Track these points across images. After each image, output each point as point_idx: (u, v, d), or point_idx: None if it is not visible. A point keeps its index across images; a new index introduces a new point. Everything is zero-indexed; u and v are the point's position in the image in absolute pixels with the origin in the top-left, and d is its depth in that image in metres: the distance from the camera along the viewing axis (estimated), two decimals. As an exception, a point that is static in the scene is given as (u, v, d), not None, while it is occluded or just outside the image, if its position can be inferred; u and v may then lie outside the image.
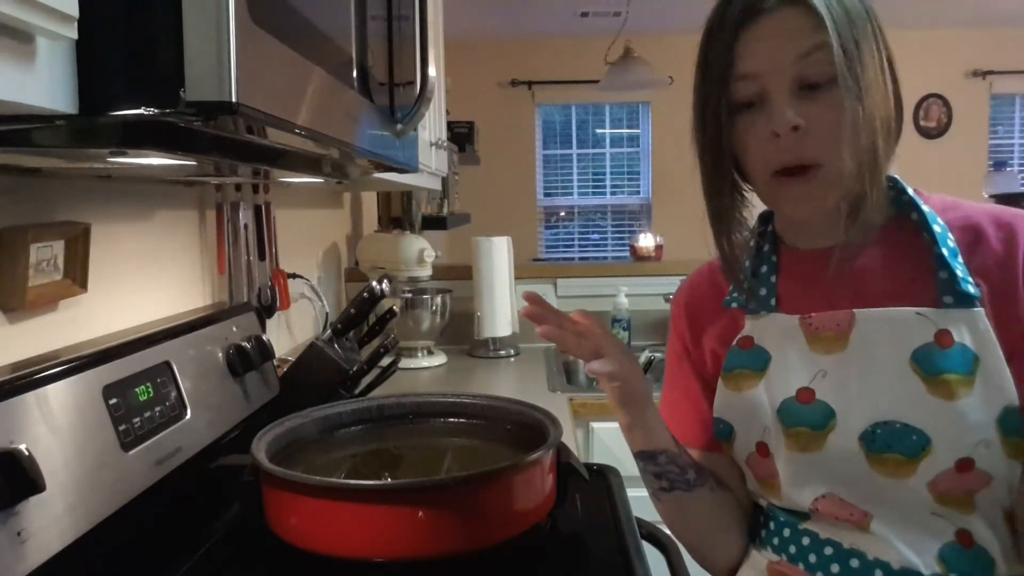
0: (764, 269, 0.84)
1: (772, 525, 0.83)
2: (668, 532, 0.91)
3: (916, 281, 0.75)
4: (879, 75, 0.72)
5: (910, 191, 0.78)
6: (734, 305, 0.85)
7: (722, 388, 0.84)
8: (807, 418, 0.76)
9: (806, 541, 0.79)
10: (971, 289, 0.71)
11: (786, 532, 0.81)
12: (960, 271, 0.72)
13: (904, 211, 0.78)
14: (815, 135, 0.71)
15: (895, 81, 0.75)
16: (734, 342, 0.83)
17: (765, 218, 0.87)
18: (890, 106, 0.74)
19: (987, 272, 0.73)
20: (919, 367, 0.71)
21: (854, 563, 0.75)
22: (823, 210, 0.75)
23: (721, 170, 0.78)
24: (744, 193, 0.81)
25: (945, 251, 0.73)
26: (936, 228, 0.74)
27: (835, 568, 0.76)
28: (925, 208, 0.76)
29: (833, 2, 0.70)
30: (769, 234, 0.86)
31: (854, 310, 0.75)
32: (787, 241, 0.84)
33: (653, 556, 0.89)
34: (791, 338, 0.79)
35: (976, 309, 0.71)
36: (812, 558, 0.78)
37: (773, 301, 0.82)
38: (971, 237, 0.75)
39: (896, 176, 0.80)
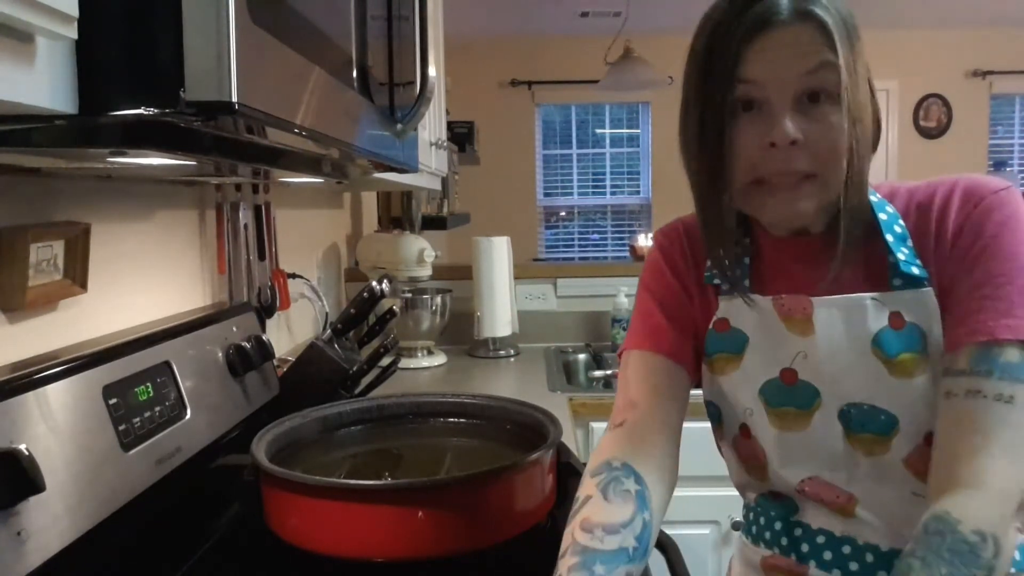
0: (738, 251, 0.84)
1: (763, 520, 0.84)
2: (667, 532, 0.91)
3: (873, 267, 0.77)
4: (867, 94, 0.74)
5: None
6: (716, 282, 0.85)
7: (707, 373, 0.85)
8: (793, 398, 0.78)
9: (798, 532, 0.80)
10: (915, 271, 0.74)
11: (777, 525, 0.82)
12: (906, 254, 0.75)
13: None
14: (811, 149, 0.72)
15: (874, 98, 0.77)
16: (710, 325, 0.84)
17: None
18: (871, 124, 0.76)
19: (930, 245, 0.75)
20: (879, 351, 0.74)
21: (846, 549, 0.77)
22: (802, 220, 0.77)
23: (716, 170, 0.76)
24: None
25: (890, 237, 0.75)
26: (883, 216, 0.77)
27: (827, 555, 0.78)
28: (874, 199, 0.78)
29: (840, 21, 0.71)
30: (743, 217, 0.85)
31: (811, 297, 0.78)
32: (765, 227, 0.85)
33: (653, 556, 0.89)
34: (766, 319, 0.80)
35: (924, 289, 0.74)
36: (804, 547, 0.80)
37: (747, 282, 0.83)
38: (916, 216, 0.77)
39: None
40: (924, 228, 0.76)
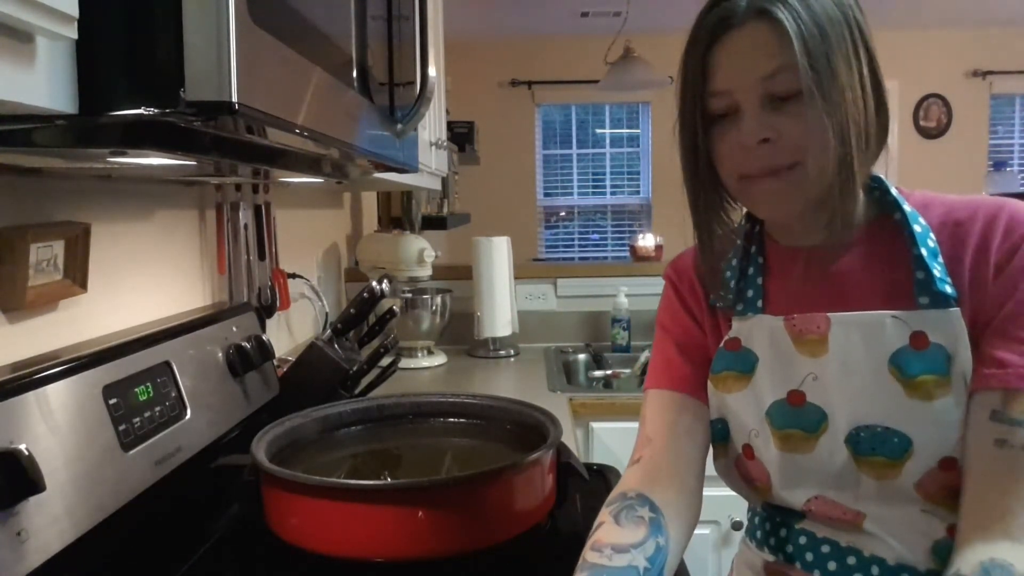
0: (751, 271, 0.84)
1: (768, 526, 0.84)
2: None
3: (895, 282, 0.75)
4: (855, 85, 0.71)
5: (894, 191, 0.78)
6: (719, 305, 0.85)
7: (712, 390, 0.84)
8: (799, 420, 0.77)
9: (803, 540, 0.80)
10: (947, 289, 0.71)
11: (783, 532, 0.82)
12: (938, 271, 0.72)
13: (887, 211, 0.78)
14: (784, 145, 0.72)
15: (877, 87, 0.74)
16: (721, 344, 0.84)
17: (752, 216, 0.87)
18: (868, 114, 0.73)
19: (964, 266, 0.73)
20: (897, 370, 0.72)
21: (851, 560, 0.76)
22: (792, 212, 0.76)
23: (699, 176, 0.79)
24: (727, 199, 0.82)
25: (924, 251, 0.73)
26: (917, 228, 0.74)
27: (832, 566, 0.77)
28: (907, 208, 0.76)
29: (802, 14, 0.69)
30: (756, 235, 0.86)
31: (829, 314, 0.76)
32: (775, 236, 0.85)
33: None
34: (778, 339, 0.79)
35: (952, 309, 0.71)
36: (809, 556, 0.79)
37: (760, 303, 0.82)
38: (951, 232, 0.74)
39: (881, 176, 0.80)
40: (960, 247, 0.73)
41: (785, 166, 0.72)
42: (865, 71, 0.73)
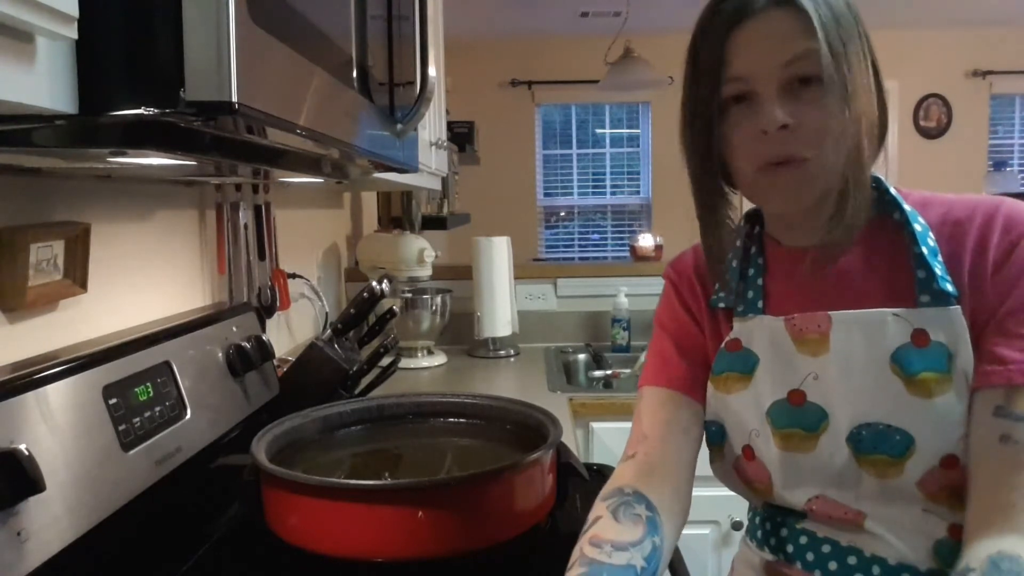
0: (751, 272, 0.84)
1: (768, 525, 0.84)
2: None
3: (895, 281, 0.75)
4: (866, 77, 0.73)
5: (892, 190, 0.78)
6: (721, 305, 0.85)
7: (712, 391, 0.84)
8: (799, 420, 0.77)
9: (804, 540, 0.80)
10: (948, 287, 0.72)
11: (783, 532, 0.82)
12: (939, 269, 0.72)
13: (886, 211, 0.78)
14: (802, 132, 0.72)
15: (879, 84, 0.75)
16: (722, 345, 0.84)
17: (751, 217, 0.87)
18: (874, 108, 0.74)
19: (963, 265, 0.73)
20: (898, 368, 0.72)
21: (852, 560, 0.76)
22: (805, 205, 0.76)
23: (709, 167, 0.79)
24: (729, 194, 0.82)
25: (925, 250, 0.73)
26: (917, 227, 0.75)
27: (833, 565, 0.77)
28: (907, 207, 0.76)
29: (821, 4, 0.71)
30: (756, 235, 0.86)
31: (830, 313, 0.76)
32: (775, 237, 0.85)
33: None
34: (778, 340, 0.79)
35: (953, 307, 0.71)
36: (810, 556, 0.79)
37: (760, 303, 0.82)
38: (950, 231, 0.75)
39: (880, 176, 0.80)
40: (958, 246, 0.74)
41: (802, 155, 0.72)
42: (871, 67, 0.74)
